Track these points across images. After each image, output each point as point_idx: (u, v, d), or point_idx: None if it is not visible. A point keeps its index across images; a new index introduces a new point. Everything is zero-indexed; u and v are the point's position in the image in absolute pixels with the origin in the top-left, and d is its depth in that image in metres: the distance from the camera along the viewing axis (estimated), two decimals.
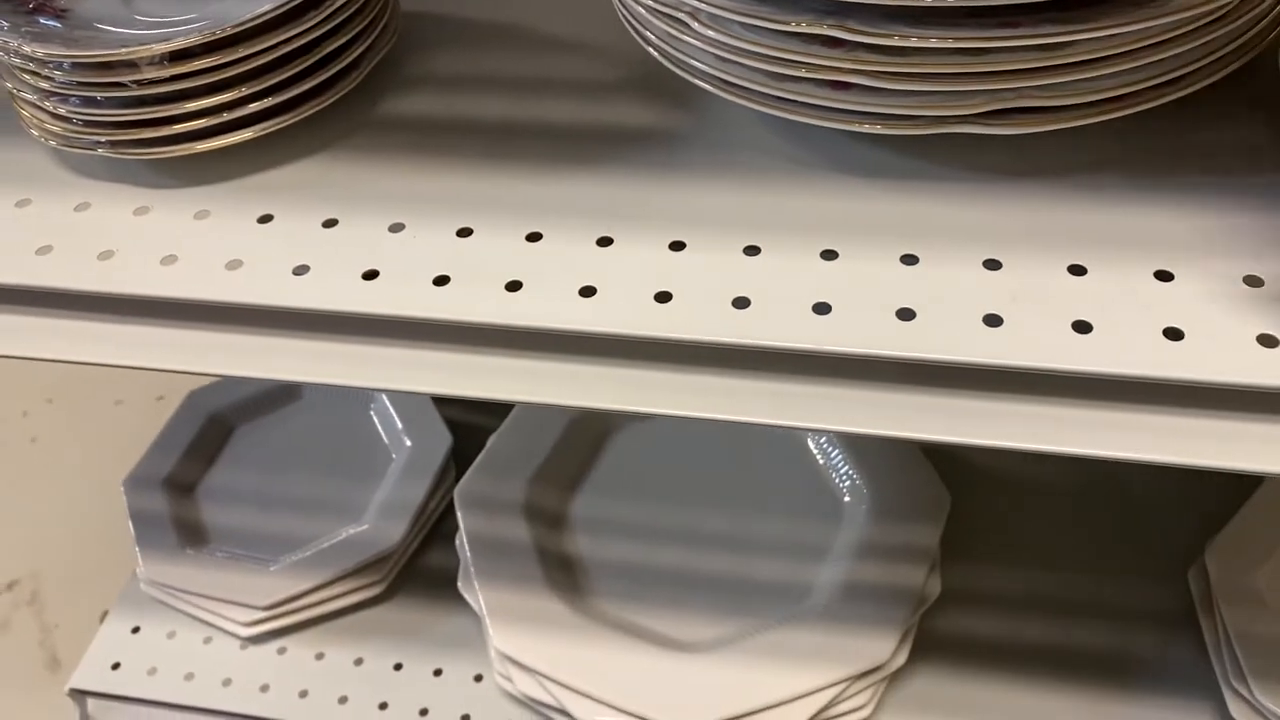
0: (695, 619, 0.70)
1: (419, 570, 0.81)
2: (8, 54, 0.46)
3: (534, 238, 0.43)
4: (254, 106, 0.47)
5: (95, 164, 0.49)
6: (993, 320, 0.38)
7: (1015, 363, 0.36)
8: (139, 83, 0.45)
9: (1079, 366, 0.36)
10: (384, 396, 0.90)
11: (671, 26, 0.44)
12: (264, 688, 0.75)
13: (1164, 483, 0.79)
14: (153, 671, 0.77)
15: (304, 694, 0.74)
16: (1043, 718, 0.67)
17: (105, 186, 0.48)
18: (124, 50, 0.44)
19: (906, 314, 0.38)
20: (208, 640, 0.78)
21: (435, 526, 0.83)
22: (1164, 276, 0.38)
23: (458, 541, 0.75)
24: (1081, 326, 0.37)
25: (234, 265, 0.43)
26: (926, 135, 0.42)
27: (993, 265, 0.40)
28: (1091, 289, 0.38)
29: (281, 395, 0.92)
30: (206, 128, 0.46)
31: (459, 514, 0.75)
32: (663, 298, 0.40)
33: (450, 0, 0.58)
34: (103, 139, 0.47)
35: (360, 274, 0.42)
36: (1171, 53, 0.40)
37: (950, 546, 0.72)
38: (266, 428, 0.91)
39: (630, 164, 0.46)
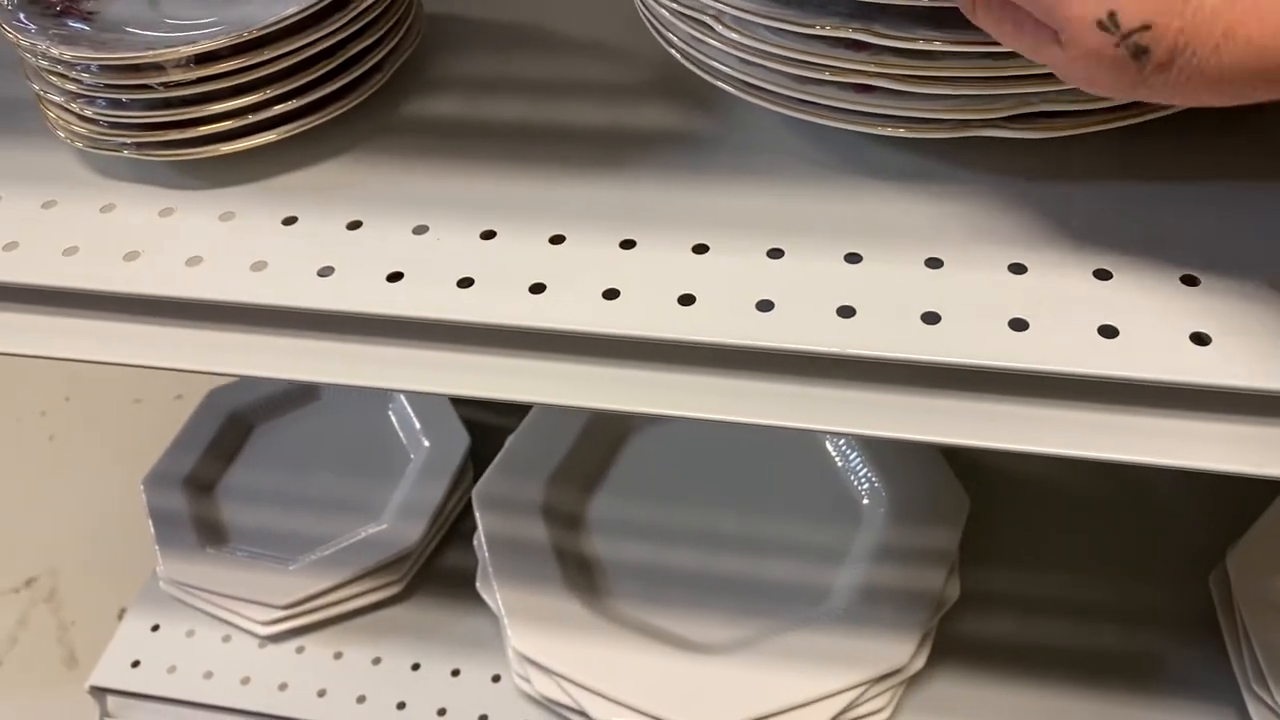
0: (713, 621, 0.70)
1: (437, 570, 0.82)
2: (35, 56, 0.46)
3: (557, 240, 0.43)
4: (279, 108, 0.47)
5: (121, 165, 0.49)
6: (1017, 324, 0.37)
7: (1039, 367, 0.36)
8: (165, 85, 0.45)
9: (1103, 371, 0.36)
10: (402, 397, 0.90)
11: (694, 29, 0.44)
12: (282, 686, 0.75)
13: (1185, 486, 0.78)
14: (172, 670, 0.77)
15: (322, 693, 0.75)
16: None
17: (131, 188, 0.48)
18: (150, 53, 0.44)
19: (931, 317, 0.38)
20: (226, 639, 0.79)
21: (453, 526, 0.84)
22: (1190, 281, 0.38)
23: (476, 542, 0.75)
24: (1107, 331, 0.37)
25: (259, 266, 0.43)
26: (950, 139, 0.42)
27: (1017, 269, 0.39)
28: (1116, 293, 0.38)
29: (301, 395, 0.92)
30: (232, 129, 0.47)
31: (477, 514, 0.75)
32: (686, 300, 0.40)
33: (474, 2, 0.58)
34: (129, 140, 0.47)
35: (385, 276, 0.42)
36: None
37: (969, 550, 0.72)
38: (286, 427, 0.91)
39: (653, 166, 0.46)
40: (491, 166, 0.47)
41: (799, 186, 0.44)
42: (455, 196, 0.46)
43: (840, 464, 0.78)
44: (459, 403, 0.89)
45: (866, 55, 0.40)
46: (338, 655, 0.77)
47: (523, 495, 0.77)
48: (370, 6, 0.48)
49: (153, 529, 0.82)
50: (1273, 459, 0.36)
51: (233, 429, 0.90)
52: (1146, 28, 0.28)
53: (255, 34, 0.45)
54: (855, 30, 0.39)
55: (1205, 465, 0.37)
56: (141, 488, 0.85)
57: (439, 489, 0.82)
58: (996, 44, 0.38)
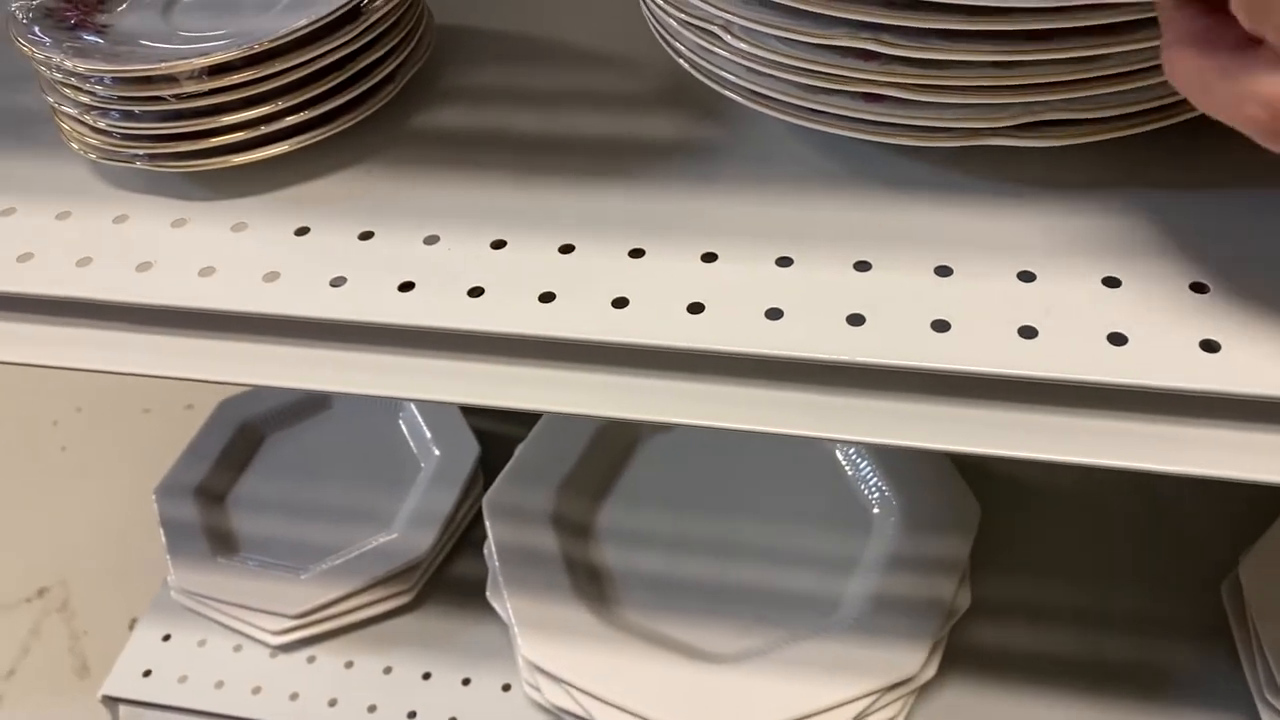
0: (723, 630, 0.70)
1: (447, 579, 0.82)
2: (50, 69, 0.47)
3: (567, 249, 0.43)
4: (290, 120, 0.47)
5: (134, 177, 0.49)
6: (1027, 332, 0.37)
7: (1049, 374, 0.36)
8: (178, 96, 0.46)
9: (1113, 379, 0.36)
10: (412, 406, 0.90)
11: (703, 39, 0.44)
12: (294, 696, 0.76)
13: (1197, 494, 0.78)
14: (183, 679, 0.78)
15: (333, 702, 0.75)
16: None
17: (144, 199, 0.48)
18: (163, 65, 0.45)
19: (940, 325, 0.38)
20: (238, 648, 0.79)
21: (464, 535, 0.84)
22: (1199, 288, 0.38)
23: (486, 550, 0.76)
24: (1116, 338, 0.37)
25: (271, 277, 0.44)
26: (958, 147, 0.42)
27: (1026, 277, 0.39)
28: (1125, 301, 0.38)
29: (311, 405, 0.93)
30: (244, 141, 0.47)
31: (487, 523, 0.76)
32: (695, 309, 0.40)
33: (484, 13, 0.59)
34: (141, 152, 0.47)
35: (396, 285, 0.42)
36: None
37: (980, 558, 0.72)
38: (297, 437, 0.91)
39: (661, 176, 0.46)
40: (502, 176, 0.47)
41: (807, 195, 0.45)
42: (466, 206, 0.46)
43: (850, 472, 0.78)
44: (469, 411, 0.89)
45: (876, 65, 0.40)
46: (349, 664, 0.77)
47: (533, 504, 0.77)
48: (382, 18, 0.48)
49: (164, 539, 0.82)
50: None
51: (244, 439, 0.91)
52: None
53: (267, 46, 0.45)
54: (866, 40, 0.39)
55: (1216, 473, 0.37)
56: (153, 497, 0.86)
57: (449, 498, 0.83)
58: (1004, 54, 0.38)
